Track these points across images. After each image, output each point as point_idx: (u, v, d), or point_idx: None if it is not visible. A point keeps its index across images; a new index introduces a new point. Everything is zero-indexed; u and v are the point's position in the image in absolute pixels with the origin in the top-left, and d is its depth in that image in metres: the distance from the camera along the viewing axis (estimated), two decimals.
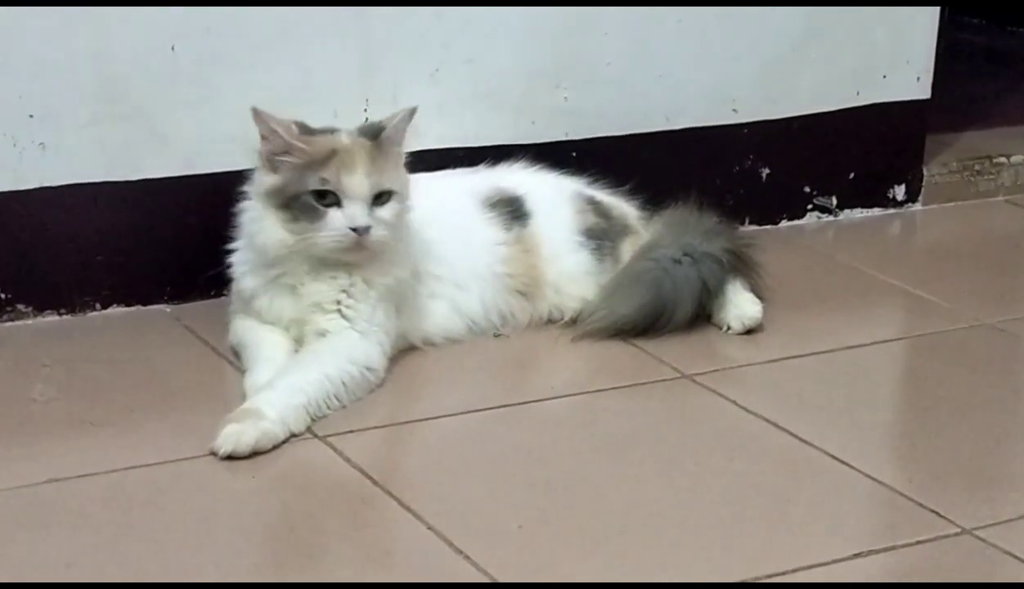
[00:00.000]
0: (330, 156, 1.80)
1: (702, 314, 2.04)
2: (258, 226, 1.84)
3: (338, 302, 1.85)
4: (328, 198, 1.79)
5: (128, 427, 1.72)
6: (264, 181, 1.83)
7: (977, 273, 2.32)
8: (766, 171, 2.43)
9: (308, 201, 1.79)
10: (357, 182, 1.79)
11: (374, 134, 1.85)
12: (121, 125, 2.00)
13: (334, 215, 1.79)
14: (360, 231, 1.79)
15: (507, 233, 2.03)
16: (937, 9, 2.50)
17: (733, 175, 2.41)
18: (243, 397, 1.74)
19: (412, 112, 1.86)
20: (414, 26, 2.14)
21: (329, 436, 1.71)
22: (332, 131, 1.85)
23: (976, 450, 1.76)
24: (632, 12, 2.28)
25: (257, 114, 1.81)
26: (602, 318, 2.01)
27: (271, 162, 1.83)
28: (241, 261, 1.90)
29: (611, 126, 2.30)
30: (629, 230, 2.11)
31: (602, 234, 2.08)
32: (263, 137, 1.82)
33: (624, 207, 2.15)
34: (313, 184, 1.79)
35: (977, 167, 2.64)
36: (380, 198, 1.82)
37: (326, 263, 1.84)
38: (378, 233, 1.80)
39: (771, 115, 2.42)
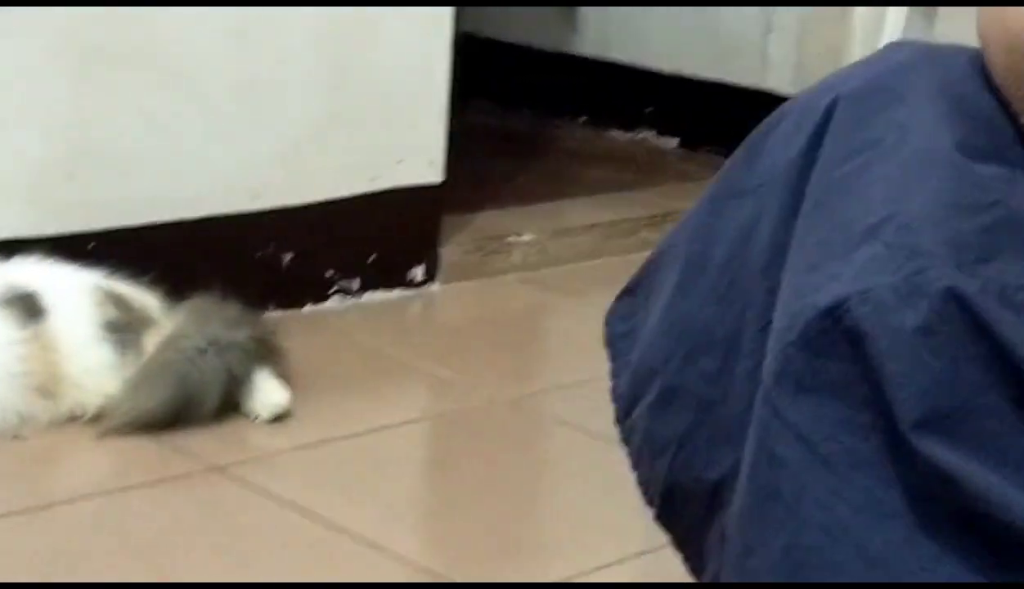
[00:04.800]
0: None
1: (230, 404, 2.04)
2: None
3: None
4: None
5: None
6: None
7: (493, 350, 2.41)
8: (288, 257, 2.45)
9: None
10: None
11: None
12: None
13: None
14: None
15: (23, 331, 1.96)
16: (446, 96, 2.60)
17: (255, 262, 2.42)
18: None
19: None
20: None
21: None
22: None
23: (499, 523, 1.83)
24: (148, 98, 2.26)
25: None
26: (127, 413, 1.97)
27: None
28: None
29: (129, 216, 2.26)
30: (152, 322, 2.08)
31: (124, 327, 2.04)
32: None
33: (146, 298, 2.12)
34: None
35: (491, 246, 2.74)
36: None
37: None
38: None
39: (292, 201, 2.44)
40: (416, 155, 2.58)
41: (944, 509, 0.64)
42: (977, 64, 0.75)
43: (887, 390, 0.65)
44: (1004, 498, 0.63)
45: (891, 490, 0.65)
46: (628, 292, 0.92)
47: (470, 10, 3.36)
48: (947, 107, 0.73)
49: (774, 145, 0.82)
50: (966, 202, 0.68)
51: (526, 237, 2.79)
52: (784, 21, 3.33)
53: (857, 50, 3.14)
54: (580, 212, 2.97)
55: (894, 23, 2.12)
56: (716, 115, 3.46)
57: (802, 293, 0.71)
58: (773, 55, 3.36)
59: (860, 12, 3.14)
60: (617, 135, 3.65)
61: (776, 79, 3.34)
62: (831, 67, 3.01)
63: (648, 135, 3.62)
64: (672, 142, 3.58)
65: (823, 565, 0.67)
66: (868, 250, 0.68)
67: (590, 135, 3.65)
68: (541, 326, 2.61)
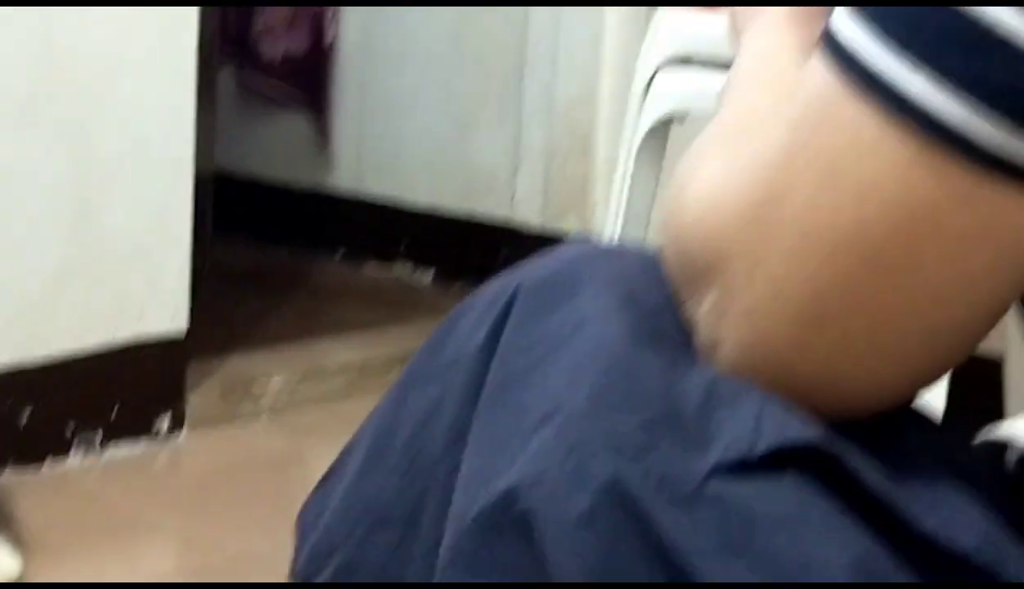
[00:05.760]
0: None
1: None
2: None
3: None
4: None
5: None
6: None
7: (241, 501, 2.37)
8: (27, 413, 2.39)
9: None
10: None
11: None
12: None
13: None
14: None
15: None
16: (188, 243, 2.57)
17: None
18: None
19: None
20: None
21: None
22: None
23: None
24: None
25: None
26: None
27: None
28: None
29: None
30: None
31: None
32: None
33: None
34: None
35: (240, 391, 2.71)
36: None
37: None
38: None
39: (29, 356, 2.38)
40: (158, 306, 2.54)
41: None
42: (646, 261, 0.81)
43: (552, 574, 0.68)
44: None
45: None
46: (322, 482, 0.93)
47: (224, 148, 3.35)
48: (619, 299, 0.77)
49: (460, 333, 0.84)
50: (629, 399, 0.72)
51: (276, 380, 2.76)
52: (531, 155, 3.39)
53: (600, 183, 3.22)
54: (332, 352, 2.96)
55: (626, 161, 2.17)
56: (469, 249, 3.50)
57: (480, 478, 0.73)
58: (521, 189, 3.42)
59: (602, 148, 3.22)
60: (374, 270, 3.66)
61: (525, 212, 3.40)
62: (577, 198, 3.08)
63: (405, 269, 3.64)
64: (428, 275, 3.61)
65: None
66: (539, 440, 0.71)
67: (345, 271, 3.65)
68: (291, 473, 2.58)
